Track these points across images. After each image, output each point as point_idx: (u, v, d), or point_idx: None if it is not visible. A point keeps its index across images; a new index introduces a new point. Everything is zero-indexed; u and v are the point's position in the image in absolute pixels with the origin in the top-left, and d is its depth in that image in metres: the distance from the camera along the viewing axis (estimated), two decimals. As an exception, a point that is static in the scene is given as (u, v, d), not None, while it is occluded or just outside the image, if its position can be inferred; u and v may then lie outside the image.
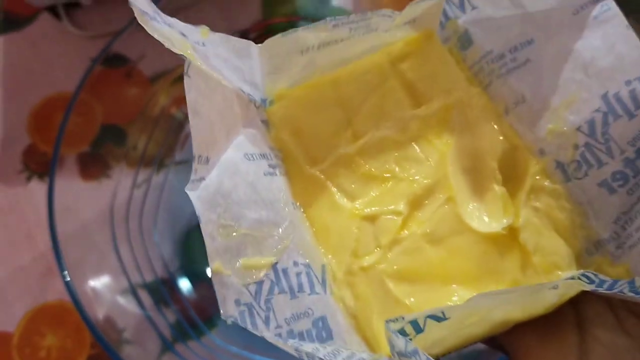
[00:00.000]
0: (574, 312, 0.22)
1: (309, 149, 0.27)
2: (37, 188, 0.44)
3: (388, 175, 0.27)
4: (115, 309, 0.36)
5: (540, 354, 0.21)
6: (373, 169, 0.27)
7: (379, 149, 0.27)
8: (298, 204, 0.26)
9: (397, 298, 0.25)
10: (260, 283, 0.22)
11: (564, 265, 0.24)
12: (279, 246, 0.23)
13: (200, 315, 0.39)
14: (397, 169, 0.27)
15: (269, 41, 0.24)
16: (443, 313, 0.19)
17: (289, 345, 0.20)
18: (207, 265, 0.40)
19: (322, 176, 0.27)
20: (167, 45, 0.21)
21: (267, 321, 0.21)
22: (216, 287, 0.21)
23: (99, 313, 0.35)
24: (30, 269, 0.43)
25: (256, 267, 0.22)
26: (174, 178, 0.42)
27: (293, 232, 0.24)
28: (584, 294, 0.21)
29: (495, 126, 0.26)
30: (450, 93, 0.27)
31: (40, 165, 0.44)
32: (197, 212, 0.21)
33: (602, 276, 0.20)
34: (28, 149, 0.45)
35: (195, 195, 0.21)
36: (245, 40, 0.24)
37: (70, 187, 0.38)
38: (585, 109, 0.24)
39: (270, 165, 0.25)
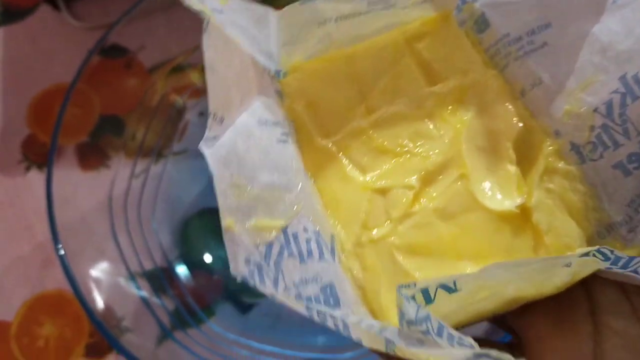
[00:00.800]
0: (588, 299, 0.21)
1: (322, 121, 0.27)
2: (36, 178, 0.44)
3: (401, 150, 0.27)
4: (114, 298, 0.36)
5: (554, 343, 0.21)
6: (386, 143, 0.27)
7: (393, 124, 0.27)
8: (309, 174, 0.26)
9: (406, 271, 0.24)
10: (270, 245, 0.22)
11: (575, 247, 0.24)
12: (290, 211, 0.23)
13: (199, 303, 0.39)
14: (410, 144, 0.27)
15: (287, 8, 0.24)
16: (455, 283, 0.19)
17: (300, 303, 0.20)
18: (206, 254, 0.41)
19: (334, 148, 0.27)
20: (186, 2, 0.21)
21: (275, 282, 0.22)
22: (227, 244, 0.21)
23: (98, 302, 0.35)
24: (29, 258, 0.43)
25: (267, 228, 0.22)
26: (172, 168, 0.42)
27: (304, 200, 0.24)
28: (597, 280, 0.21)
29: (511, 107, 0.26)
30: (466, 74, 0.27)
31: (39, 155, 0.45)
32: (210, 169, 0.22)
33: (618, 252, 0.19)
34: (27, 139, 0.45)
35: (209, 152, 0.22)
36: (264, 7, 0.24)
37: (69, 177, 0.39)
38: (603, 90, 0.23)
39: (283, 134, 0.25)
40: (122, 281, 0.37)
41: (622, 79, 0.23)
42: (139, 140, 0.41)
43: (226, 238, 0.21)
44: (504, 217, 0.25)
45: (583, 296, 0.21)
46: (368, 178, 0.26)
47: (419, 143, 0.27)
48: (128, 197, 0.40)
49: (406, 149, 0.27)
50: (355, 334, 0.20)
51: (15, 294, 0.42)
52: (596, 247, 0.19)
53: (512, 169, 0.25)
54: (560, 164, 0.25)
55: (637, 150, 0.23)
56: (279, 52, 0.26)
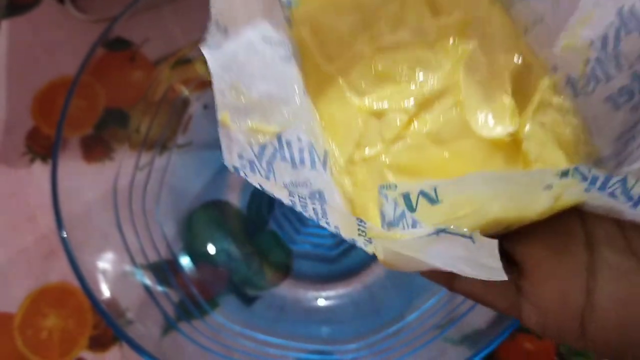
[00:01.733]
0: (584, 231, 0.22)
1: (326, 46, 0.28)
2: (40, 170, 0.44)
3: (400, 76, 0.27)
4: (119, 289, 0.36)
5: (550, 269, 0.21)
6: (386, 70, 0.28)
7: (394, 52, 0.28)
8: (309, 95, 0.27)
9: None
10: (263, 146, 0.23)
11: None
12: (286, 121, 0.24)
13: (203, 295, 0.39)
14: (409, 71, 0.27)
15: None
16: (435, 190, 0.19)
17: (284, 190, 0.21)
18: (210, 246, 0.41)
19: (335, 72, 0.28)
20: None
21: (267, 179, 0.22)
22: (221, 137, 0.22)
23: (103, 292, 0.35)
24: (33, 250, 0.43)
25: (262, 131, 0.23)
26: (177, 161, 0.42)
27: (301, 114, 0.24)
28: (593, 214, 0.22)
29: (512, 43, 0.27)
30: (471, 10, 0.28)
31: (43, 148, 0.45)
32: (209, 67, 0.22)
33: (595, 171, 0.19)
34: (31, 132, 0.45)
35: (210, 53, 0.22)
36: None
37: (74, 169, 0.39)
38: (599, 24, 0.24)
39: (286, 54, 0.26)
40: (127, 272, 0.37)
41: (619, 12, 0.23)
42: (144, 132, 0.41)
43: (221, 132, 0.22)
44: (495, 145, 0.26)
45: (580, 228, 0.22)
46: (365, 101, 0.27)
47: (418, 71, 0.27)
48: (132, 189, 0.40)
49: (405, 76, 0.27)
50: (333, 222, 0.21)
51: (18, 286, 0.42)
52: (574, 165, 0.19)
53: (507, 100, 0.26)
54: (555, 98, 0.26)
55: (628, 84, 0.23)
56: None
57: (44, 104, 0.46)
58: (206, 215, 0.42)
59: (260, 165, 0.22)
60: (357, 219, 0.20)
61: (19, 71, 0.47)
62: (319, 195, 0.23)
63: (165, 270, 0.39)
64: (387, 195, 0.19)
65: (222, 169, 0.43)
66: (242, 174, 0.22)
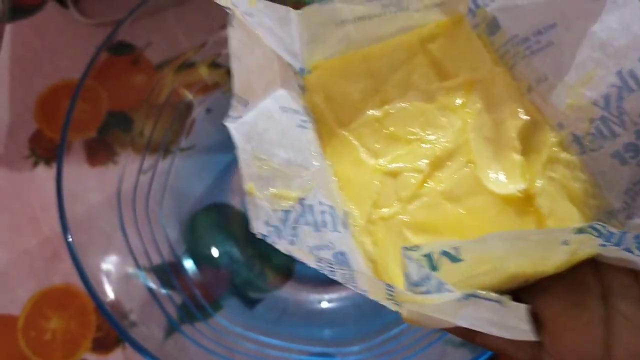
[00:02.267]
0: (600, 284, 0.22)
1: (339, 112, 0.29)
2: (44, 173, 0.45)
3: (412, 137, 0.28)
4: (122, 291, 0.36)
5: (567, 323, 0.22)
6: (397, 131, 0.29)
7: (405, 114, 0.29)
8: (326, 159, 0.28)
9: None
10: (287, 212, 0.24)
11: None
12: (306, 185, 0.25)
13: (206, 297, 0.39)
14: (420, 132, 0.29)
15: (306, 9, 0.27)
16: (456, 249, 0.20)
17: (311, 256, 0.22)
18: (213, 248, 0.41)
19: (349, 136, 0.29)
20: (221, 3, 0.24)
21: (292, 244, 0.23)
22: (249, 206, 0.23)
23: (107, 295, 0.35)
24: (36, 253, 0.43)
25: (285, 198, 0.24)
26: (180, 164, 0.42)
27: (319, 178, 0.26)
28: (609, 265, 0.22)
29: (518, 102, 0.28)
30: (475, 71, 0.29)
31: (46, 151, 0.45)
32: (233, 140, 0.23)
33: (610, 228, 0.20)
34: (35, 135, 0.45)
35: (233, 126, 0.24)
36: (285, 7, 0.27)
37: (78, 172, 0.39)
38: (601, 84, 0.25)
39: (302, 121, 0.27)
40: (131, 275, 0.38)
41: (619, 73, 0.24)
42: (147, 136, 0.41)
43: (248, 200, 0.23)
44: (508, 201, 0.27)
45: (596, 280, 0.22)
46: (380, 162, 0.28)
47: (428, 131, 0.28)
48: (136, 193, 0.40)
49: (417, 136, 0.28)
50: (361, 286, 0.21)
51: (21, 288, 0.42)
52: (590, 223, 0.20)
53: (517, 157, 0.27)
54: (563, 154, 0.26)
55: (633, 140, 0.24)
56: (301, 51, 0.28)
57: (46, 107, 0.46)
58: (209, 218, 0.42)
59: (285, 230, 0.23)
60: (386, 284, 0.20)
61: (22, 74, 0.47)
62: (341, 256, 0.24)
63: (168, 273, 0.39)
64: (410, 256, 0.20)
65: (225, 172, 0.43)
66: (270, 241, 0.23)
